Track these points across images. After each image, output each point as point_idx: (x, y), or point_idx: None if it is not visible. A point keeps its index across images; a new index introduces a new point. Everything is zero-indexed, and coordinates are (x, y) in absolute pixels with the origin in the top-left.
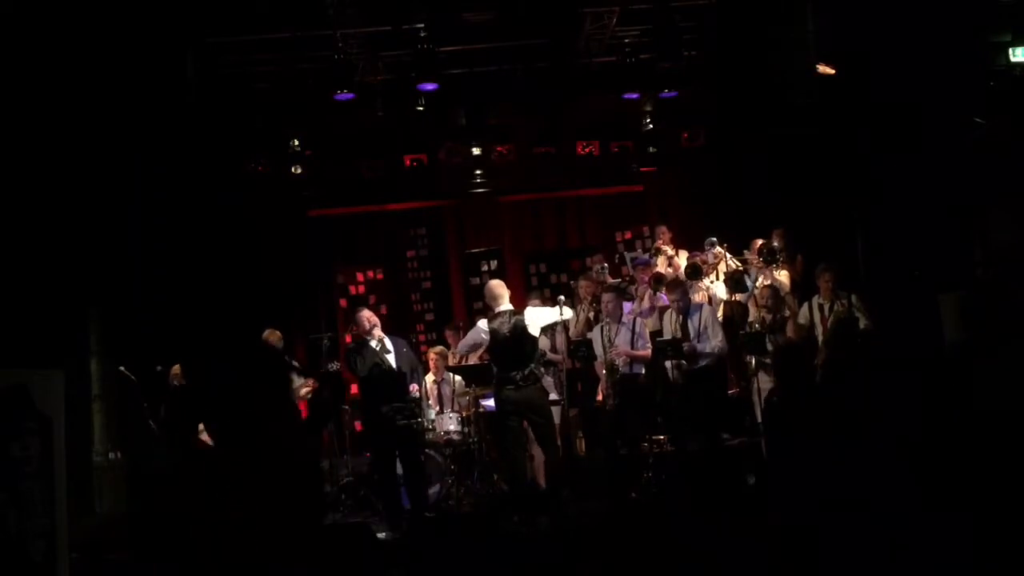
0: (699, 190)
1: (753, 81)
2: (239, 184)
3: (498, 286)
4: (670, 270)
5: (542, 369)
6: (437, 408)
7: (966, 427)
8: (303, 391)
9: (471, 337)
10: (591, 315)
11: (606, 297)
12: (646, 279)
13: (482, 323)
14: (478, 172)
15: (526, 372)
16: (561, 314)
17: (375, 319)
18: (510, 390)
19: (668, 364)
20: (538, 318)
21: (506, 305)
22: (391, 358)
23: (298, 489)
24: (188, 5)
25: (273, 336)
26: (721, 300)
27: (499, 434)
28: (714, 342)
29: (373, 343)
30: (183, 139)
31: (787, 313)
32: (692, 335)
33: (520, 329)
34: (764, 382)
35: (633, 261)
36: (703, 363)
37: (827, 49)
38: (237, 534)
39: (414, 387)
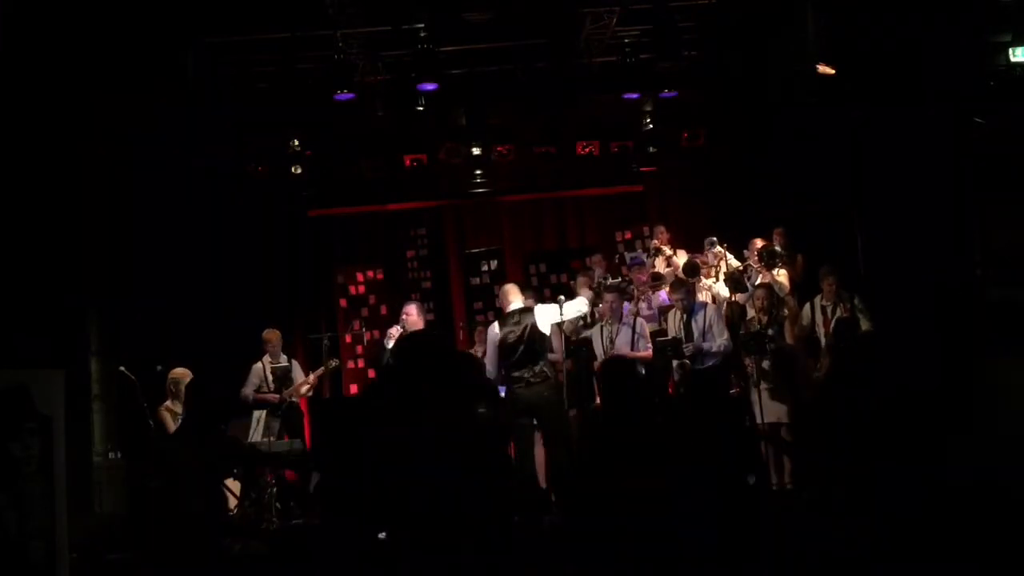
0: (699, 190)
1: (753, 81)
2: (239, 183)
3: (511, 290)
4: (669, 270)
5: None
6: None
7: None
8: (303, 389)
9: (489, 346)
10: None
11: (608, 297)
12: (643, 279)
13: (493, 326)
14: (478, 172)
15: (536, 370)
16: (561, 314)
17: (407, 317)
18: (520, 388)
19: (674, 364)
20: (546, 315)
21: (517, 304)
22: None
23: None
24: (188, 4)
25: (273, 335)
26: (724, 299)
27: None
28: (719, 340)
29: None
30: (183, 138)
31: (786, 313)
32: (696, 334)
33: (530, 327)
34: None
35: (630, 261)
36: (709, 363)
37: (827, 49)
38: None
39: None
